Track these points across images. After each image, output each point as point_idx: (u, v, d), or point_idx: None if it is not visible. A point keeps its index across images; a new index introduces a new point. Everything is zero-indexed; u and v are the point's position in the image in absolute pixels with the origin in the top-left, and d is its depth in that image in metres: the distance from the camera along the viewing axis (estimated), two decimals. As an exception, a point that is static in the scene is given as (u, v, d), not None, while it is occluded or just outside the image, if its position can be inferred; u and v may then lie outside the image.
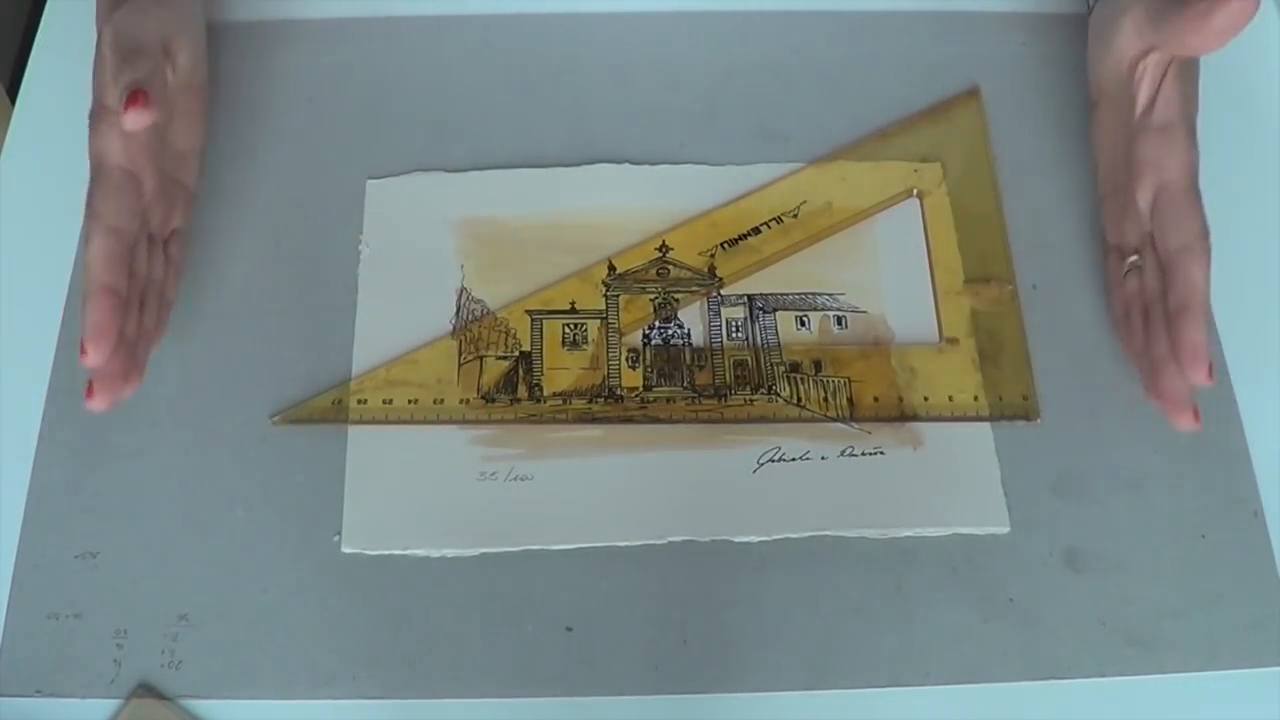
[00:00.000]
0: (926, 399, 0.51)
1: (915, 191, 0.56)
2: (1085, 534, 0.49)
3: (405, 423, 0.50)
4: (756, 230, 0.55)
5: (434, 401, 0.51)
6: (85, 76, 0.59)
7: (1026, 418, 0.51)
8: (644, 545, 0.48)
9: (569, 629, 0.47)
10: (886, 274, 0.54)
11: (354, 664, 0.46)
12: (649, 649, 0.47)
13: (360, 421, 0.50)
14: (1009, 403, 0.51)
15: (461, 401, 0.51)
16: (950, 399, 0.51)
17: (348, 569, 0.48)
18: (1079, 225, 0.56)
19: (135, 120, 0.45)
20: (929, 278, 0.54)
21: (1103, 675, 0.47)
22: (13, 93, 0.61)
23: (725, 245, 0.55)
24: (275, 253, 0.54)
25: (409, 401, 0.51)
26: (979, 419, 0.51)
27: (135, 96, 0.45)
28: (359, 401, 0.51)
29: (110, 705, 0.46)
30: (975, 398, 0.51)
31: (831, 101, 0.59)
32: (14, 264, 0.55)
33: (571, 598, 0.47)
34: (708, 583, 0.48)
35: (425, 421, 0.50)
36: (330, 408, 0.51)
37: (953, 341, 0.53)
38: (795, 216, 0.55)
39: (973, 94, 0.59)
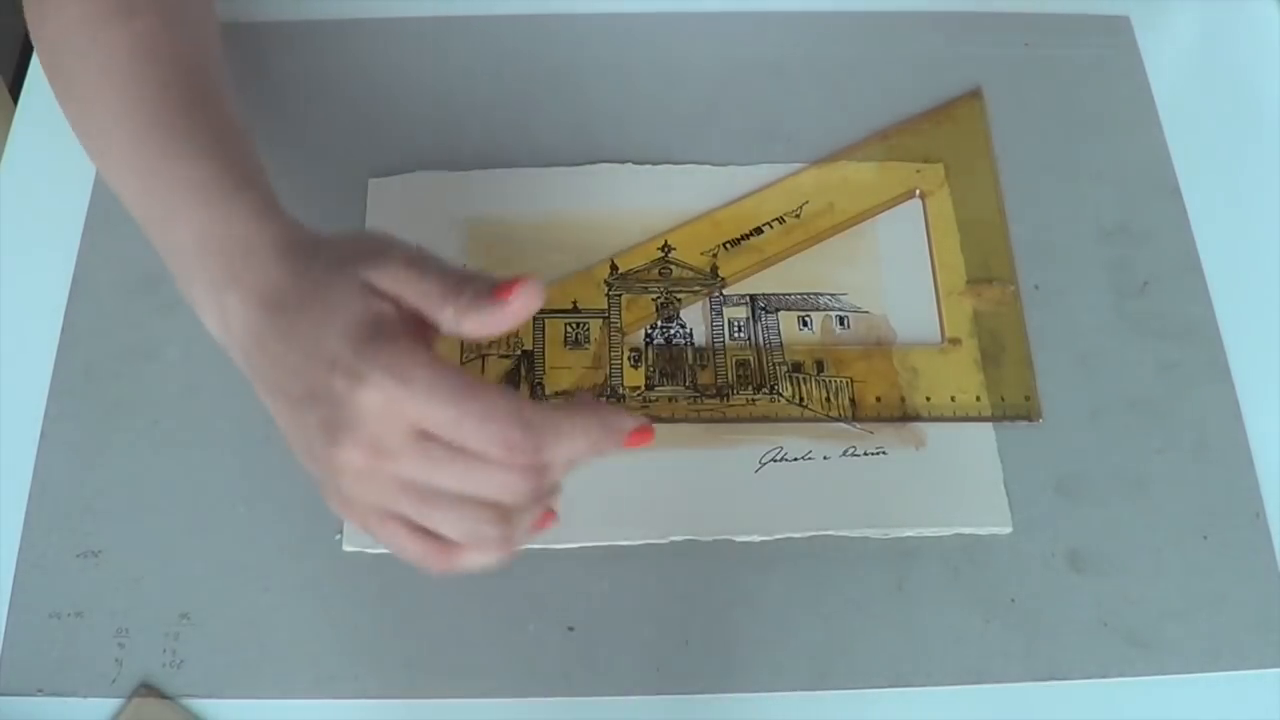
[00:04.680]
0: (929, 399, 0.51)
1: (917, 192, 0.56)
2: (1087, 535, 0.49)
3: None
4: (759, 230, 0.55)
5: None
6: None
7: (1029, 418, 0.51)
8: (646, 544, 0.48)
9: (570, 629, 0.47)
10: (888, 274, 0.54)
11: (355, 663, 0.46)
12: (651, 649, 0.47)
13: None
14: (1011, 403, 0.51)
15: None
16: (952, 399, 0.51)
17: (349, 568, 0.48)
18: (1081, 225, 0.56)
19: None
20: (931, 278, 0.54)
21: (1104, 676, 0.47)
22: (15, 91, 0.60)
23: (728, 245, 0.55)
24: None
25: None
26: (981, 419, 0.51)
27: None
28: None
29: (112, 704, 0.46)
30: (977, 398, 0.51)
31: (834, 101, 0.59)
32: (16, 263, 0.55)
33: (573, 597, 0.47)
34: (710, 583, 0.48)
35: None
36: None
37: (955, 342, 0.53)
38: (798, 217, 0.55)
39: (975, 94, 0.59)
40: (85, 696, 0.46)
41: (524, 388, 0.52)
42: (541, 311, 0.52)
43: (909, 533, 0.49)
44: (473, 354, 0.52)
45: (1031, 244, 0.55)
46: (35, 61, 0.61)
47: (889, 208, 0.56)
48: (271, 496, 0.49)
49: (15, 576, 0.48)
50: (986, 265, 0.54)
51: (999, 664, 0.47)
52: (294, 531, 0.48)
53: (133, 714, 0.45)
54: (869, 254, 0.55)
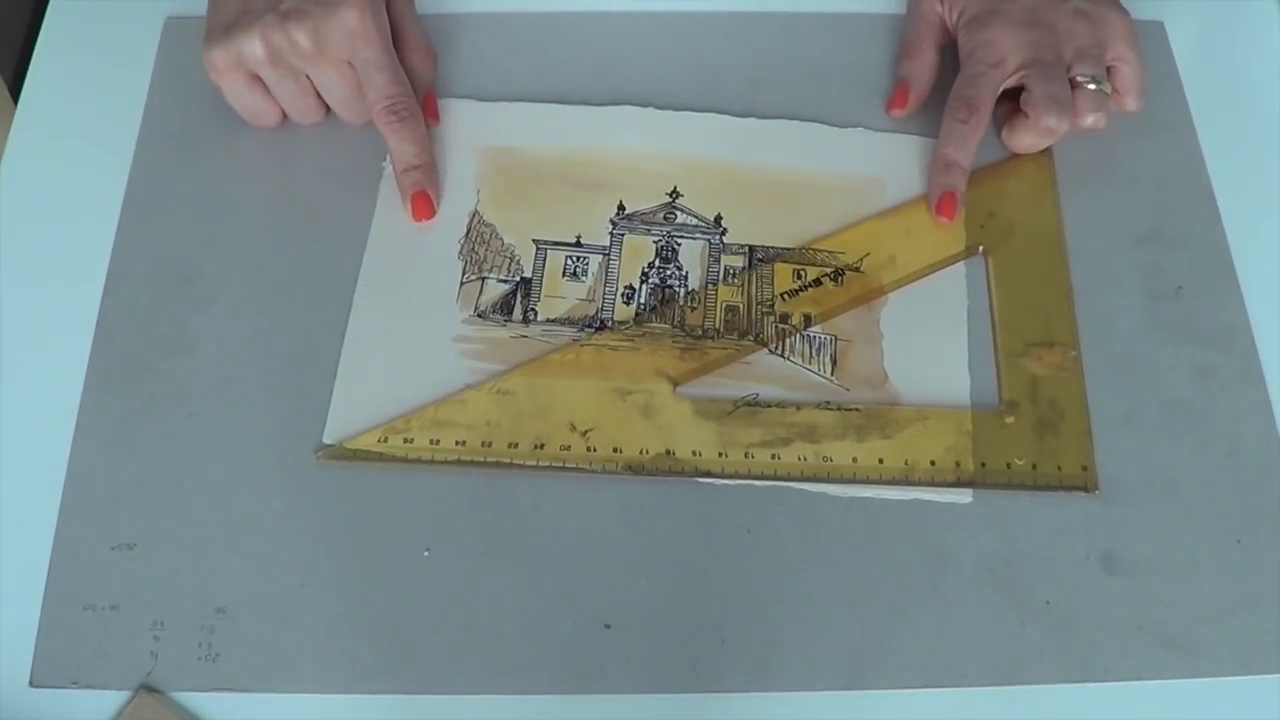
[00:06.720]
0: (984, 465, 0.50)
1: (981, 248, 0.56)
2: (1121, 538, 0.49)
3: (452, 464, 0.50)
4: (817, 282, 0.55)
5: (482, 444, 0.50)
6: (88, 75, 0.59)
7: (1085, 489, 0.50)
8: (684, 545, 0.48)
9: (607, 626, 0.47)
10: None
11: (391, 659, 0.46)
12: (687, 647, 0.47)
13: (406, 460, 0.50)
14: (1068, 474, 0.50)
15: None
16: (1008, 466, 0.50)
17: (386, 564, 0.48)
18: (1115, 229, 0.56)
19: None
20: (991, 337, 0.53)
21: (1138, 679, 0.47)
22: (15, 91, 0.60)
23: (785, 295, 0.54)
24: (301, 227, 0.56)
25: (456, 443, 0.50)
26: (1036, 488, 0.50)
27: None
28: (405, 440, 0.50)
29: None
30: (1034, 465, 0.50)
31: (869, 103, 0.59)
32: (52, 257, 0.55)
33: (610, 595, 0.47)
34: (746, 582, 0.48)
35: (473, 464, 0.50)
36: (376, 445, 0.50)
37: (1013, 406, 0.52)
38: (858, 270, 0.55)
39: (1044, 152, 0.58)
40: (119, 689, 0.46)
41: (518, 310, 0.53)
42: (545, 242, 0.55)
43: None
44: (473, 275, 0.54)
45: (1066, 247, 0.55)
46: (37, 60, 0.61)
47: (952, 263, 0.55)
48: (306, 491, 0.49)
49: (50, 568, 0.48)
50: (1047, 327, 0.53)
51: (1033, 665, 0.47)
52: (330, 527, 0.48)
53: (132, 714, 0.45)
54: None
